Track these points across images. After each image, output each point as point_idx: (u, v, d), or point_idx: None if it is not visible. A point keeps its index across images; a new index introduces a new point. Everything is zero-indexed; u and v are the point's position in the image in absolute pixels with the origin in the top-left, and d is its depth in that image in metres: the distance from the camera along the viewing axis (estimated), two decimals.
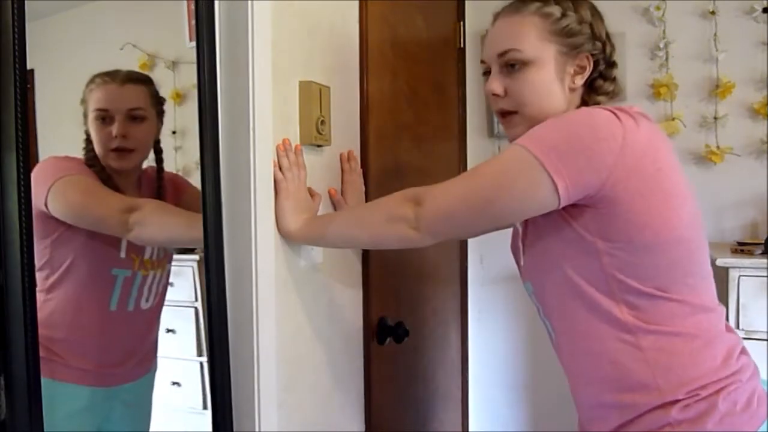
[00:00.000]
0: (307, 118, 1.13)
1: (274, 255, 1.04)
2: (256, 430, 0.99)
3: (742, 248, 1.52)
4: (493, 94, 0.97)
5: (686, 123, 1.85)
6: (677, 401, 0.83)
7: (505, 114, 0.98)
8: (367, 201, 1.34)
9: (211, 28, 0.92)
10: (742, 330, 1.41)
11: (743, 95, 1.79)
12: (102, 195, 1.02)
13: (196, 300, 1.19)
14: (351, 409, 1.32)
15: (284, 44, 1.08)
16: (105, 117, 1.03)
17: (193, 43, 0.93)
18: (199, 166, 0.93)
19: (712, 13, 1.80)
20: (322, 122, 1.16)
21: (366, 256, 1.37)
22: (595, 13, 0.97)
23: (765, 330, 1.39)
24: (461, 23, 2.10)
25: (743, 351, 0.91)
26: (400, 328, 1.42)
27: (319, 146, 1.19)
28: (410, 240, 0.94)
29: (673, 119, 1.86)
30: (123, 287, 1.06)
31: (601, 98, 0.98)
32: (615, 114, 0.83)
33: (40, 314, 0.99)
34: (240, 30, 0.97)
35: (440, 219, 0.92)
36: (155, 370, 1.17)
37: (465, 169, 2.11)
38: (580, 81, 0.96)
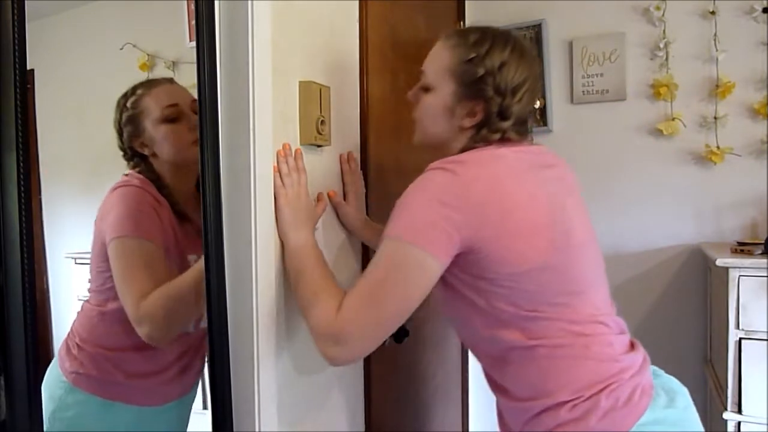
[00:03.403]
0: (307, 118, 1.13)
1: (274, 255, 1.04)
2: (256, 430, 0.99)
3: (742, 248, 1.51)
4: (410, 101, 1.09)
5: (686, 123, 1.85)
6: (565, 402, 0.91)
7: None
8: (367, 201, 1.34)
9: (211, 28, 0.93)
10: (742, 330, 1.41)
11: (743, 95, 1.79)
12: (140, 277, 1.00)
13: None
14: (351, 409, 1.32)
15: (284, 44, 1.08)
16: (176, 115, 1.05)
17: (193, 43, 0.93)
18: (199, 166, 0.93)
19: (712, 13, 1.80)
20: (322, 122, 1.16)
21: (365, 256, 1.37)
22: (508, 62, 0.97)
23: (765, 330, 1.39)
24: (461, 23, 2.10)
25: (630, 350, 0.99)
26: (400, 328, 1.42)
27: (319, 146, 1.19)
28: (328, 358, 0.95)
29: (673, 119, 1.86)
30: None
31: (480, 145, 1.00)
32: (453, 171, 0.90)
33: (96, 327, 1.02)
34: (240, 30, 0.97)
35: (362, 348, 0.96)
36: (195, 394, 1.18)
37: None
38: (468, 123, 1.00)
